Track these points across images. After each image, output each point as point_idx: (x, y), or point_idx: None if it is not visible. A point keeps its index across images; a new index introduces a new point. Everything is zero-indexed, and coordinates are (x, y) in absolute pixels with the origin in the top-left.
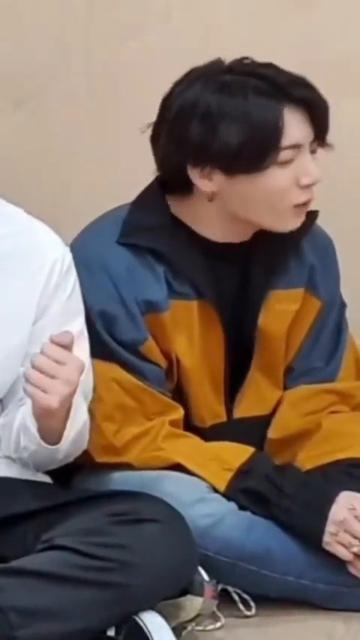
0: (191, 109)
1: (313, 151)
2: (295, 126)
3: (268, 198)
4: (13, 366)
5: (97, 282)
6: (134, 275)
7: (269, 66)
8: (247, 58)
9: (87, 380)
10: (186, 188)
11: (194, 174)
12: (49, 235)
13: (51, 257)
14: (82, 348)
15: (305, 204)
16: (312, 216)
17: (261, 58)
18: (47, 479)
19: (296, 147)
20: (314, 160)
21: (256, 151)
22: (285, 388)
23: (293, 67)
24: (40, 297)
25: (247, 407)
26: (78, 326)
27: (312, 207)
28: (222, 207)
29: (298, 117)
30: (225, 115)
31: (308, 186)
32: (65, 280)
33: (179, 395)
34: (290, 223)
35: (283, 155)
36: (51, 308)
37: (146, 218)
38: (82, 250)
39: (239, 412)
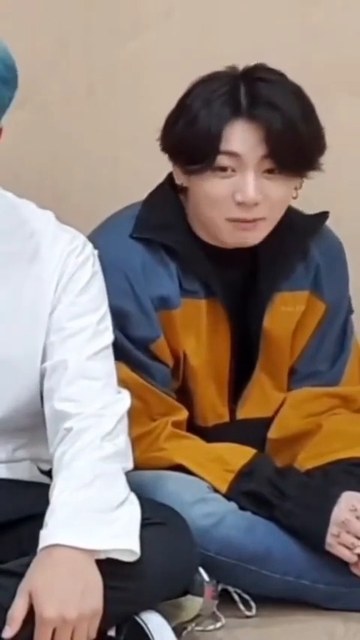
0: (179, 101)
1: (268, 171)
2: (239, 137)
3: (205, 204)
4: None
5: (112, 278)
6: (149, 271)
7: (265, 78)
8: (266, 68)
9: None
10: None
11: (172, 162)
12: (63, 230)
13: (67, 249)
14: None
15: (244, 221)
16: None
17: (261, 57)
18: (46, 479)
19: (233, 155)
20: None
21: (193, 152)
22: (288, 390)
23: (293, 66)
24: (55, 289)
25: (250, 408)
26: (88, 322)
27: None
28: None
29: (247, 131)
30: (187, 112)
31: (243, 204)
32: (80, 272)
33: (183, 394)
34: (227, 236)
35: (219, 160)
36: (64, 299)
37: (158, 215)
38: (96, 247)
39: (242, 413)
